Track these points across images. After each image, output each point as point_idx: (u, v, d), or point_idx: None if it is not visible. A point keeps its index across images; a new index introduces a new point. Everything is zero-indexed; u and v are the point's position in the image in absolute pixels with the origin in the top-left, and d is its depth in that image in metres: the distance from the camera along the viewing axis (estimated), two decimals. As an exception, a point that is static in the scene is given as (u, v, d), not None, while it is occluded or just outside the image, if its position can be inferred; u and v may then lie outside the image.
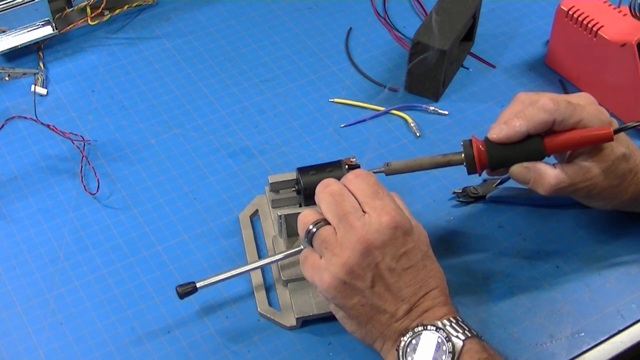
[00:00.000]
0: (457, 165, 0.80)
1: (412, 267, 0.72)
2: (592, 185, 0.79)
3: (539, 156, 0.79)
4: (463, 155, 0.80)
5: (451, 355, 0.69)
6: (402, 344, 0.71)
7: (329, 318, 0.81)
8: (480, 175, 0.81)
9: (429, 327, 0.70)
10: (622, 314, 0.82)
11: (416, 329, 0.71)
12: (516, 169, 0.79)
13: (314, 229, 0.73)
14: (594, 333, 0.81)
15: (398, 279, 0.72)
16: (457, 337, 0.70)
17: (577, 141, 0.78)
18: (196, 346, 0.80)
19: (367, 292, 0.71)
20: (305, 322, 0.81)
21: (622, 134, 0.80)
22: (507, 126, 0.77)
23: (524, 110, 0.78)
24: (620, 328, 0.82)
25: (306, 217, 0.74)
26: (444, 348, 0.69)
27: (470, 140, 0.80)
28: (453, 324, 0.71)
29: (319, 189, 0.75)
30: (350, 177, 0.75)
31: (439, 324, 0.71)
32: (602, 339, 0.81)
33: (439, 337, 0.70)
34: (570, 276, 0.85)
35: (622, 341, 0.81)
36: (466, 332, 0.70)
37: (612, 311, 0.83)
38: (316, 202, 0.75)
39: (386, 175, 0.81)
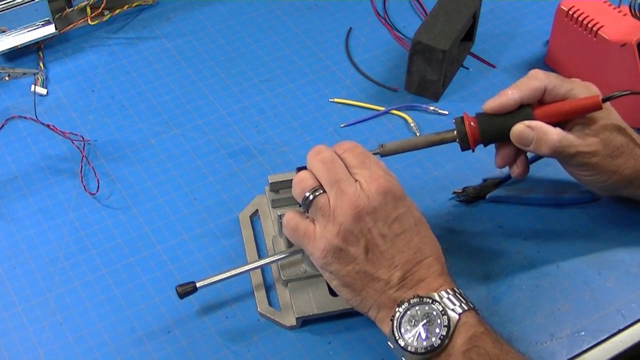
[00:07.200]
0: (450, 143, 0.82)
1: (404, 232, 0.73)
2: (593, 153, 0.80)
3: None
4: (455, 132, 0.81)
5: (446, 328, 0.69)
6: (397, 314, 0.70)
7: (329, 318, 0.81)
8: (473, 151, 0.82)
9: (425, 299, 0.70)
10: (622, 314, 0.82)
11: (412, 300, 0.71)
12: (518, 128, 0.79)
13: (311, 197, 0.74)
14: (594, 332, 0.81)
15: (391, 245, 0.72)
16: (453, 310, 0.70)
17: (566, 110, 0.80)
18: (196, 346, 0.80)
19: (361, 259, 0.72)
20: (305, 322, 0.81)
21: (613, 112, 0.82)
22: (500, 96, 0.79)
23: (516, 82, 0.80)
24: (621, 327, 0.82)
25: (303, 182, 0.75)
26: (439, 321, 0.69)
27: (462, 117, 0.81)
28: (450, 296, 0.71)
29: (310, 155, 0.76)
30: (339, 151, 0.76)
31: (436, 296, 0.70)
32: (602, 338, 0.81)
33: (435, 309, 0.70)
34: (570, 276, 0.85)
35: (622, 340, 0.81)
36: (462, 304, 0.70)
37: (612, 310, 0.83)
38: (307, 167, 0.76)
39: (382, 156, 0.82)
